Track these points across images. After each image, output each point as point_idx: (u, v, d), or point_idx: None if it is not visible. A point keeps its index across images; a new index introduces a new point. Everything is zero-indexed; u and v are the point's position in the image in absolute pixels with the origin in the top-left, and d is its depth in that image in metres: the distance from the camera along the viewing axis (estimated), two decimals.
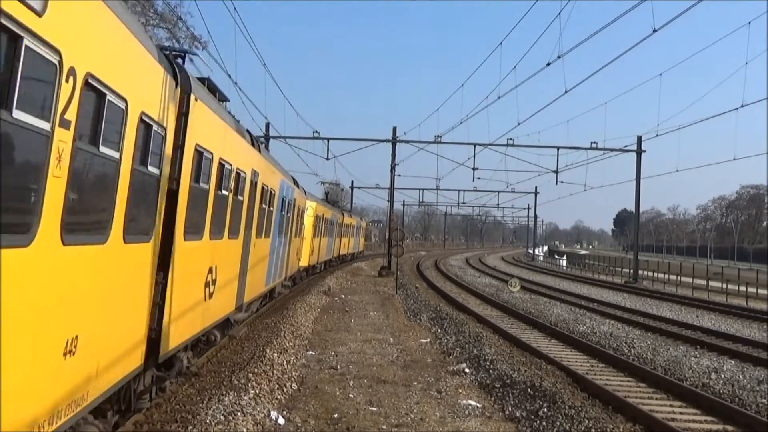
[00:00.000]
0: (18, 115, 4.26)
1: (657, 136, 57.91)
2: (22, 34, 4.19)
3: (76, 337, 5.52)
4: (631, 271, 51.54)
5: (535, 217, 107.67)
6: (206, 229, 9.86)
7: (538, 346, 17.08)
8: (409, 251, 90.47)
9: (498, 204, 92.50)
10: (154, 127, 7.19)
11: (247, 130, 13.76)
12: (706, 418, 11.22)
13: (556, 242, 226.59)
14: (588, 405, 11.10)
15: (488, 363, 14.26)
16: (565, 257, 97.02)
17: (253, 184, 13.57)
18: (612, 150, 48.35)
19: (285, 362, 13.25)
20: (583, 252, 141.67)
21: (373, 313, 23.50)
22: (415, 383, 12.59)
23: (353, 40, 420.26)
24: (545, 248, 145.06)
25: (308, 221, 30.61)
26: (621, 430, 9.82)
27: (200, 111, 8.89)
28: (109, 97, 5.72)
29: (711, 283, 44.12)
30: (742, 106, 29.01)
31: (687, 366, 15.55)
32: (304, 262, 30.65)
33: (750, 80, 30.14)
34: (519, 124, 58.45)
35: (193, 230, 9.20)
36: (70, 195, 5.11)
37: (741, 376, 14.64)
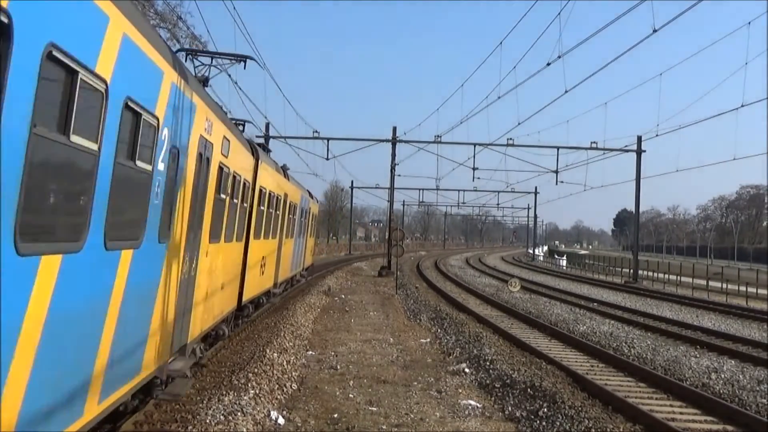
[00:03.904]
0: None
1: (657, 136, 58.01)
2: None
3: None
4: (631, 271, 51.53)
5: (535, 217, 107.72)
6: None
7: (538, 346, 17.08)
8: (409, 251, 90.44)
9: (498, 204, 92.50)
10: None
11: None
12: (706, 418, 11.22)
13: (556, 242, 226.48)
14: (588, 405, 11.10)
15: (488, 363, 14.26)
16: (564, 257, 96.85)
17: None
18: (612, 150, 48.35)
19: (285, 362, 13.25)
20: (583, 252, 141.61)
21: (373, 313, 23.50)
22: (415, 383, 12.59)
23: (353, 41, 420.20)
24: (545, 248, 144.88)
25: None
26: (621, 430, 9.81)
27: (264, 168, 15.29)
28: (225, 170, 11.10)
29: (711, 283, 44.12)
30: (742, 106, 28.97)
31: (687, 366, 15.55)
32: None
33: (750, 80, 30.10)
34: (519, 123, 58.27)
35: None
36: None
37: (741, 376, 14.64)
